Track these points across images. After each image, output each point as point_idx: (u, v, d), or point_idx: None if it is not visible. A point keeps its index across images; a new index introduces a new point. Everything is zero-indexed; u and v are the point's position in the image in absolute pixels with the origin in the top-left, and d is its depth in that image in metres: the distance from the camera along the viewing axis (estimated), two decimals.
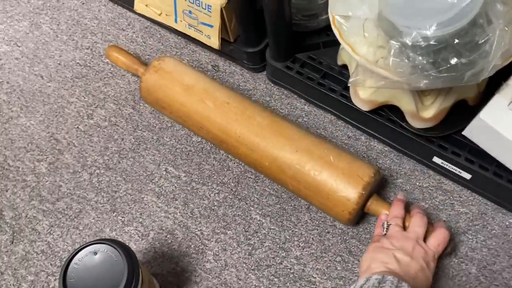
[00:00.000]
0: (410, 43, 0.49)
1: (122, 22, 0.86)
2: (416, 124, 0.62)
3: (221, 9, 0.67)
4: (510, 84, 0.57)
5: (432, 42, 0.47)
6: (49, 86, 0.81)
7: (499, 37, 0.48)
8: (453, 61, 0.48)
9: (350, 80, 0.56)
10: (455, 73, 0.49)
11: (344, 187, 0.58)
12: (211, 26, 0.70)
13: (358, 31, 0.57)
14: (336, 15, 0.58)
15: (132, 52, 0.81)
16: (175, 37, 0.83)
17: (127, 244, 0.55)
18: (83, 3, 0.90)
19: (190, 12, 0.71)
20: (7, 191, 0.72)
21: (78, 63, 0.83)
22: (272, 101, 0.76)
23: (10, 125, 0.78)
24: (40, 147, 0.75)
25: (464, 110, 0.61)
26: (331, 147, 0.62)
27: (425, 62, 0.49)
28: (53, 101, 0.80)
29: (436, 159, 0.64)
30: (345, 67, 0.67)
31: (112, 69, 0.81)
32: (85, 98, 0.79)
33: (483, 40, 0.48)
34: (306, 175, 0.60)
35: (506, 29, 0.49)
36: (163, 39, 0.83)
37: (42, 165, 0.74)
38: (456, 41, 0.48)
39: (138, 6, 0.77)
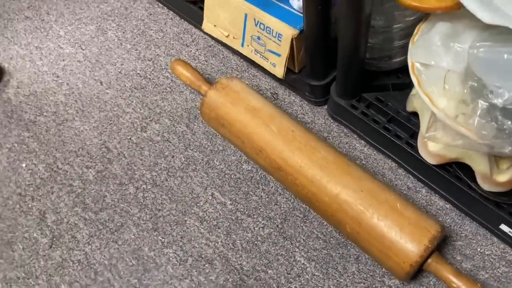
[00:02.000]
0: (501, 105, 0.45)
1: (186, 38, 0.86)
2: (487, 186, 0.57)
3: (292, 39, 0.65)
4: None
5: None
6: (107, 93, 0.81)
7: None
8: None
9: (426, 135, 0.52)
10: None
11: (409, 237, 0.54)
12: (279, 55, 0.68)
13: (438, 81, 0.53)
14: (416, 62, 0.54)
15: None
16: (238, 59, 0.82)
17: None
18: (150, 14, 0.90)
19: (259, 38, 0.69)
20: (52, 193, 0.72)
21: (138, 73, 0.83)
22: (330, 137, 0.73)
23: (64, 127, 0.79)
24: (90, 153, 0.75)
25: None
26: (397, 194, 0.58)
27: (507, 126, 0.45)
28: (109, 108, 0.80)
29: (503, 227, 0.59)
30: (414, 114, 0.64)
31: (171, 84, 0.81)
32: (141, 110, 0.79)
33: None
34: (369, 218, 0.56)
35: None
36: (225, 60, 0.82)
37: (90, 172, 0.73)
38: None
39: (207, 25, 0.76)
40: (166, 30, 0.87)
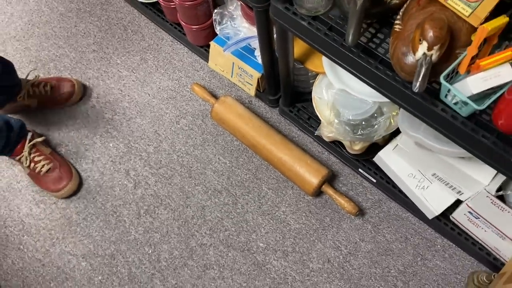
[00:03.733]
0: (343, 120, 1.07)
1: (197, 65, 1.44)
2: (350, 151, 1.21)
3: (258, 78, 1.25)
4: (396, 139, 1.15)
5: (351, 122, 1.06)
6: (153, 101, 1.41)
7: (384, 121, 1.06)
8: (360, 131, 1.06)
9: (317, 131, 1.15)
10: (361, 136, 1.07)
11: (314, 174, 1.18)
12: (251, 84, 1.28)
13: (325, 104, 1.15)
14: (315, 95, 1.16)
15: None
16: (228, 81, 1.41)
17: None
18: (173, 49, 1.47)
19: (240, 74, 1.29)
20: (130, 160, 1.33)
21: (170, 88, 1.42)
22: (279, 125, 1.35)
23: (131, 122, 1.38)
24: (149, 137, 1.35)
25: (378, 150, 1.20)
26: (309, 154, 1.22)
27: (348, 129, 1.08)
28: (156, 110, 1.39)
29: (360, 170, 1.23)
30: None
31: (190, 95, 1.40)
32: (174, 111, 1.39)
33: (375, 123, 1.06)
34: (292, 165, 1.20)
35: (389, 117, 1.07)
36: (221, 80, 1.42)
37: (150, 147, 1.34)
38: (363, 123, 1.06)
39: (211, 63, 1.35)
40: (184, 60, 1.45)
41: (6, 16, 1.58)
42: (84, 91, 1.43)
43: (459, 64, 0.72)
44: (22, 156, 1.25)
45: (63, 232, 1.26)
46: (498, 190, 0.95)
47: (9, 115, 1.29)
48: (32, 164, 1.26)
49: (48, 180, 1.26)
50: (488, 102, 0.70)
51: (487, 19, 0.68)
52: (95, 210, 1.28)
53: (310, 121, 1.28)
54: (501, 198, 0.96)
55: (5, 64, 1.24)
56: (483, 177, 0.96)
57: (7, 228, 1.27)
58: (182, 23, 1.33)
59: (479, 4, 0.66)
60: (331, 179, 1.26)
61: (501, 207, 0.94)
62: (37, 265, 1.23)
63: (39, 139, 1.29)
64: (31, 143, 1.26)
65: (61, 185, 1.27)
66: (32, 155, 1.26)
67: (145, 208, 1.27)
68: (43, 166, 1.26)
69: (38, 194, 1.31)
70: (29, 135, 1.28)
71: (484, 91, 0.69)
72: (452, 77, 0.74)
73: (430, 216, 1.12)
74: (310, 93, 1.23)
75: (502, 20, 0.67)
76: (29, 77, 1.37)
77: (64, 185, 1.27)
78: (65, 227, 1.27)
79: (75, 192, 1.30)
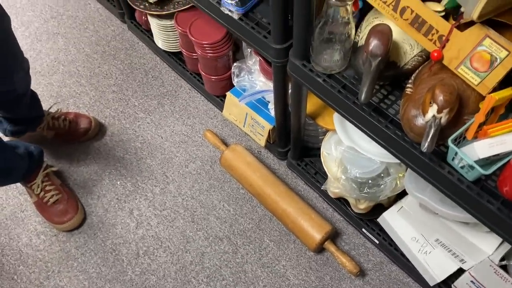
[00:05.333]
0: (350, 177, 1.09)
1: (211, 113, 1.49)
2: (355, 210, 1.21)
3: (269, 130, 1.28)
4: (401, 201, 1.16)
5: (358, 179, 1.08)
6: (165, 143, 1.44)
7: (390, 182, 1.08)
8: (366, 190, 1.08)
9: (324, 186, 1.17)
10: (367, 194, 1.08)
11: (317, 229, 1.18)
12: (262, 135, 1.32)
13: (333, 160, 1.17)
14: (324, 151, 1.18)
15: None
16: (240, 131, 1.45)
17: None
18: (190, 97, 1.53)
19: (252, 125, 1.33)
20: (136, 199, 1.34)
21: (183, 133, 1.46)
22: (286, 177, 1.36)
23: (141, 162, 1.41)
24: (156, 178, 1.37)
25: (382, 210, 1.20)
26: (313, 208, 1.22)
27: (355, 186, 1.09)
28: (166, 153, 1.42)
29: (364, 230, 1.23)
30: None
31: (202, 141, 1.44)
32: (184, 155, 1.41)
33: (382, 183, 1.08)
34: (296, 219, 1.20)
35: (396, 178, 1.08)
36: (233, 130, 1.45)
37: (156, 188, 1.35)
38: (370, 181, 1.08)
39: (225, 112, 1.39)
40: (199, 108, 1.50)
41: (35, 52, 1.66)
42: (99, 129, 1.47)
43: (466, 129, 0.74)
44: (34, 184, 1.27)
45: (60, 266, 1.24)
46: (502, 259, 0.94)
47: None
48: (42, 193, 1.27)
49: (54, 211, 1.27)
50: (494, 168, 0.71)
51: (495, 89, 0.72)
52: (95, 246, 1.27)
53: (317, 176, 1.30)
54: (504, 268, 0.95)
55: (33, 97, 1.29)
56: (487, 246, 0.95)
57: (4, 256, 1.26)
58: (202, 73, 1.39)
59: (488, 75, 0.70)
60: (334, 236, 1.25)
61: (504, 277, 0.92)
62: None
63: (53, 169, 1.31)
64: (46, 171, 1.29)
65: (66, 218, 1.27)
66: (44, 183, 1.28)
67: (144, 249, 1.26)
68: (52, 196, 1.27)
69: (40, 225, 1.31)
70: (45, 163, 1.30)
71: (490, 157, 0.71)
72: (460, 142, 0.76)
73: (431, 283, 1.10)
74: (319, 148, 1.26)
75: (510, 91, 0.71)
76: (51, 110, 1.42)
77: (68, 219, 1.27)
78: (62, 260, 1.25)
79: (77, 227, 1.30)
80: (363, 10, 0.90)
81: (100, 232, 1.29)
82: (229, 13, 1.00)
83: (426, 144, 0.71)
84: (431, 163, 0.78)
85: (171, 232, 1.29)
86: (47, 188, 1.27)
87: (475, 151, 0.71)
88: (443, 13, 0.75)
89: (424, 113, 0.72)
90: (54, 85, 1.58)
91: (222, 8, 1.01)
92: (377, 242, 1.21)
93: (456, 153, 0.74)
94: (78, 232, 1.29)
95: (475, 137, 0.74)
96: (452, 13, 0.75)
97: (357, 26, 0.88)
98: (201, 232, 1.28)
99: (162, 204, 1.33)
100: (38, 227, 1.30)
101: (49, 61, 1.64)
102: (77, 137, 1.42)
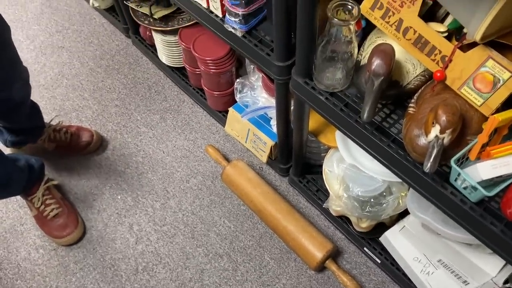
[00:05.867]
0: (352, 195, 1.08)
1: (213, 129, 1.49)
2: (357, 228, 1.20)
3: (271, 146, 1.28)
4: (403, 220, 1.15)
5: (360, 198, 1.07)
6: (167, 158, 1.44)
7: (392, 201, 1.07)
8: (368, 208, 1.07)
9: (325, 203, 1.16)
10: (369, 213, 1.07)
11: (318, 247, 1.17)
12: (264, 151, 1.31)
13: (334, 178, 1.16)
14: (326, 168, 1.18)
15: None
16: (242, 146, 1.45)
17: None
18: (192, 112, 1.53)
19: (254, 141, 1.32)
20: (136, 214, 1.33)
21: (185, 148, 1.45)
22: (288, 194, 1.36)
23: (141, 177, 1.40)
24: (157, 193, 1.37)
25: (384, 229, 1.19)
26: (313, 226, 1.21)
27: (357, 205, 1.08)
28: (168, 168, 1.42)
29: (365, 249, 1.21)
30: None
31: (203, 156, 1.43)
32: (186, 170, 1.41)
33: (384, 202, 1.07)
34: (297, 236, 1.19)
35: (398, 197, 1.07)
36: (234, 145, 1.45)
37: (157, 203, 1.35)
38: (372, 200, 1.07)
39: (227, 128, 1.39)
40: (202, 123, 1.50)
41: (39, 65, 1.67)
42: (101, 143, 1.47)
43: (469, 150, 0.74)
44: (35, 197, 1.26)
45: (58, 281, 1.23)
46: (506, 282, 0.92)
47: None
48: (42, 206, 1.26)
49: (53, 225, 1.26)
50: (497, 189, 0.71)
51: (498, 110, 0.71)
52: (94, 261, 1.26)
53: (319, 194, 1.29)
54: None
55: (33, 107, 1.30)
56: (490, 267, 0.94)
57: (2, 270, 1.25)
58: (205, 88, 1.39)
59: (491, 96, 0.70)
60: (335, 255, 1.24)
61: None
62: None
63: (54, 182, 1.31)
64: (46, 185, 1.28)
65: (65, 232, 1.26)
66: (44, 197, 1.27)
67: (143, 264, 1.25)
68: (52, 210, 1.26)
69: (39, 239, 1.30)
70: (46, 177, 1.30)
71: (493, 178, 0.71)
72: (462, 162, 0.76)
73: None
74: (321, 166, 1.25)
75: None
76: (53, 122, 1.42)
77: (68, 233, 1.26)
78: (60, 275, 1.24)
79: (76, 241, 1.29)
80: (366, 29, 0.91)
81: (99, 247, 1.28)
82: (233, 31, 1.00)
83: (429, 165, 0.71)
84: (433, 183, 0.77)
85: (171, 248, 1.27)
86: (48, 201, 1.26)
87: (478, 172, 0.71)
88: (445, 34, 0.75)
89: (427, 133, 0.72)
90: (57, 98, 1.58)
91: (225, 26, 1.01)
92: (379, 261, 1.20)
93: (459, 174, 0.74)
94: (77, 247, 1.28)
95: (478, 158, 0.74)
96: (455, 33, 0.76)
97: (360, 45, 0.88)
98: (201, 248, 1.27)
99: (162, 220, 1.32)
100: (37, 241, 1.30)
101: (53, 74, 1.65)
102: (78, 150, 1.42)
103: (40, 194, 1.26)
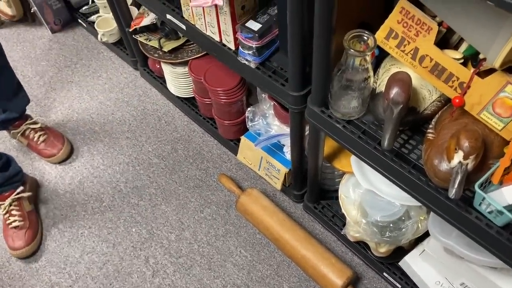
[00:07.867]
0: (371, 221, 1.07)
1: (225, 157, 1.49)
2: (375, 253, 1.19)
3: (285, 173, 1.28)
4: (423, 243, 1.14)
5: (379, 223, 1.06)
6: (180, 189, 1.43)
7: (411, 225, 1.07)
8: (388, 234, 1.06)
9: (344, 230, 1.15)
10: (389, 239, 1.07)
11: (337, 274, 1.16)
12: (278, 178, 1.32)
13: (351, 203, 1.16)
14: (342, 194, 1.18)
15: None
16: (254, 174, 1.45)
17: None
18: (203, 141, 1.54)
19: (268, 168, 1.33)
20: (151, 246, 1.32)
21: (197, 177, 1.46)
22: (303, 221, 1.35)
23: (155, 209, 1.40)
24: (172, 224, 1.36)
25: (403, 254, 1.18)
26: (331, 252, 1.20)
27: (376, 230, 1.08)
28: (181, 198, 1.41)
29: (384, 274, 1.20)
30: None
31: (216, 185, 1.43)
32: (199, 200, 1.41)
33: (403, 226, 1.06)
34: (316, 264, 1.18)
35: (417, 221, 1.07)
36: (247, 173, 1.45)
37: (172, 235, 1.34)
38: (391, 225, 1.06)
39: (240, 156, 1.40)
40: (213, 152, 1.51)
41: (49, 101, 1.69)
42: (67, 156, 1.53)
43: (492, 174, 0.74)
44: (1, 204, 1.32)
45: None
46: None
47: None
48: (7, 215, 1.32)
49: (11, 234, 1.31)
50: None
51: None
52: None
53: (335, 219, 1.28)
54: None
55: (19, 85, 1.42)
56: None
57: None
58: (216, 117, 1.41)
59: (511, 120, 0.71)
60: (355, 281, 1.23)
61: None
62: None
63: (25, 195, 1.35)
64: (17, 196, 1.33)
65: (17, 245, 1.30)
66: (11, 207, 1.32)
67: None
68: (14, 221, 1.31)
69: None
70: (20, 188, 1.33)
71: None
72: (485, 186, 0.76)
73: None
74: (336, 191, 1.25)
75: None
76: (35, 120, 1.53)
77: (20, 246, 1.30)
78: None
79: (27, 257, 1.31)
80: (379, 57, 0.92)
81: (116, 282, 1.27)
82: (246, 63, 1.02)
83: (454, 191, 0.71)
84: (457, 208, 0.77)
85: (188, 280, 1.26)
86: (13, 212, 1.32)
87: (503, 196, 0.71)
88: (461, 60, 0.76)
89: (449, 159, 0.72)
90: (68, 133, 1.59)
91: (239, 58, 1.03)
92: (400, 286, 1.18)
93: (483, 198, 0.74)
94: (93, 283, 1.27)
95: (501, 182, 0.74)
96: (471, 59, 0.77)
97: (374, 72, 0.90)
98: (218, 280, 1.26)
99: (178, 251, 1.31)
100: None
101: (63, 109, 1.66)
102: (42, 156, 1.52)
103: (7, 204, 1.31)
